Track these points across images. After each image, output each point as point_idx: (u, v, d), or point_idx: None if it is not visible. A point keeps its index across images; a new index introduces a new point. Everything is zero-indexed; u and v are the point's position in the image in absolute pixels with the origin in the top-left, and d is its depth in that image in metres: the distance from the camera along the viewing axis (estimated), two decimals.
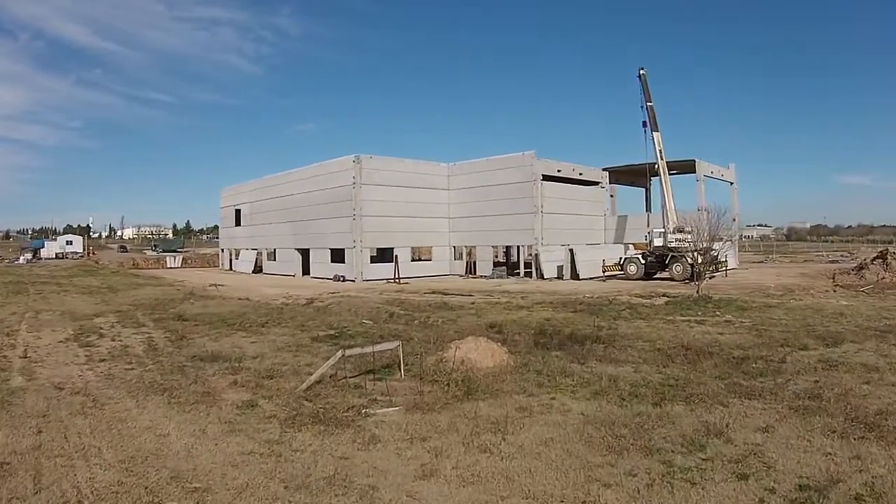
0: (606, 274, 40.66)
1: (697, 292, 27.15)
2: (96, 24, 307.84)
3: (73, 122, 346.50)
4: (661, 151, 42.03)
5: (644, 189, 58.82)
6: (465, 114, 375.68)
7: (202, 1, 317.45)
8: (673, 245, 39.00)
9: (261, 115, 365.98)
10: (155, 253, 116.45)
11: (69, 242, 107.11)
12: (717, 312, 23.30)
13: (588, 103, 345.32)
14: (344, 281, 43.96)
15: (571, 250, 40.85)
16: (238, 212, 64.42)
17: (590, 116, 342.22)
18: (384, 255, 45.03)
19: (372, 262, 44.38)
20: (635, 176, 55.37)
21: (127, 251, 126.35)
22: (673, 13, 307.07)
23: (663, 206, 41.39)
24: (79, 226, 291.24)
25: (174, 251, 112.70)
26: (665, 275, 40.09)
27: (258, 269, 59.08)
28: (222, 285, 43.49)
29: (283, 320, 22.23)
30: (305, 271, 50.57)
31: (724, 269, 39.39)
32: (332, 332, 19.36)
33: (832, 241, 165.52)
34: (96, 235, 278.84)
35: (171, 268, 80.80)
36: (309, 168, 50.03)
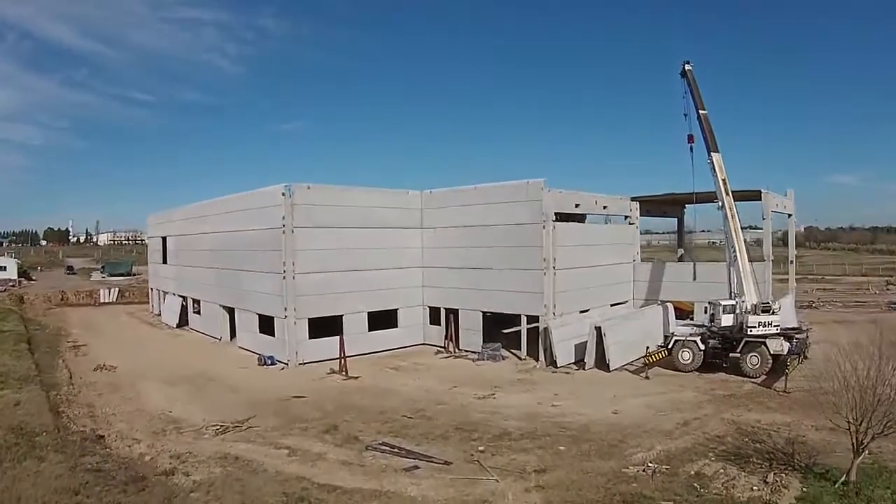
0: (648, 362, 27.78)
1: (848, 478, 14.51)
2: (82, 24, 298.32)
3: (60, 121, 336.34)
4: (724, 181, 29.20)
5: (676, 219, 46.35)
6: (453, 117, 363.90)
7: (186, 2, 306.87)
8: (755, 332, 26.41)
9: (244, 114, 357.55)
10: (102, 276, 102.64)
11: (2, 268, 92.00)
12: None
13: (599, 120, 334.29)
14: (273, 364, 30.95)
15: (599, 329, 27.95)
16: (165, 245, 51.30)
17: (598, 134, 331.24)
18: (330, 324, 31.96)
19: (313, 333, 31.29)
20: (669, 206, 42.84)
21: (74, 273, 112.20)
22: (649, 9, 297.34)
23: (731, 264, 28.54)
24: (58, 229, 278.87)
25: (122, 275, 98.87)
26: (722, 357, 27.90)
27: (184, 320, 46.04)
28: (112, 368, 30.98)
29: None
30: (234, 333, 37.57)
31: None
32: None
33: (834, 250, 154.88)
34: (74, 240, 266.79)
35: (103, 303, 68.37)
36: (232, 198, 36.78)
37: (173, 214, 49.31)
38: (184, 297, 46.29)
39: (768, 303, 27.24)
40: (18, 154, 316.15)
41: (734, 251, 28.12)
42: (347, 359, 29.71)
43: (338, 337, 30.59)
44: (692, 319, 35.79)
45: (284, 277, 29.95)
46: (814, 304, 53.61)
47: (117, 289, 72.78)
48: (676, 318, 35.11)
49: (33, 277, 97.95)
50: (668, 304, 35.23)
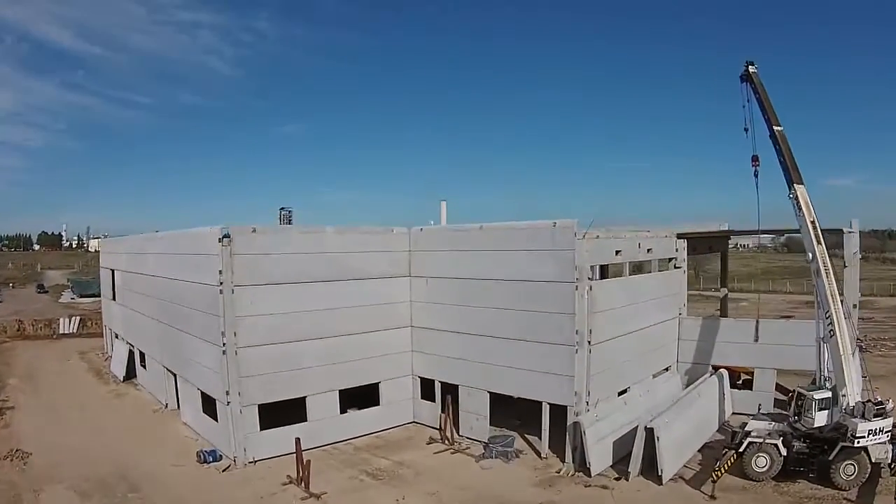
0: (717, 477, 20.21)
1: None
2: (80, 27, 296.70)
3: (58, 123, 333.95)
4: (814, 224, 21.77)
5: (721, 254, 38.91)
6: (453, 121, 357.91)
7: (182, 4, 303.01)
8: (862, 443, 19.07)
9: (243, 116, 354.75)
10: (72, 297, 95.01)
11: None
12: None
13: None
14: (215, 461, 23.42)
15: (651, 431, 20.40)
16: (114, 279, 43.78)
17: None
18: (291, 405, 24.42)
19: (269, 419, 23.75)
20: (716, 240, 35.51)
21: (45, 291, 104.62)
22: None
23: (825, 339, 20.98)
24: (52, 233, 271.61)
25: (92, 295, 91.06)
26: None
27: (133, 371, 38.62)
28: (26, 456, 24.42)
29: None
30: (179, 402, 30.08)
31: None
32: None
33: (841, 257, 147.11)
34: (67, 245, 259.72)
35: (62, 334, 61.27)
36: (168, 237, 29.27)
37: (120, 245, 41.88)
38: (131, 345, 38.82)
39: (882, 403, 19.77)
40: (16, 156, 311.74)
41: (830, 324, 20.60)
42: (314, 450, 22.56)
43: (299, 426, 23.16)
44: (742, 385, 28.88)
45: (224, 352, 22.40)
46: (861, 345, 46.11)
47: (78, 318, 65.43)
48: (731, 385, 28.13)
49: (0, 300, 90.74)
50: (722, 371, 27.93)
